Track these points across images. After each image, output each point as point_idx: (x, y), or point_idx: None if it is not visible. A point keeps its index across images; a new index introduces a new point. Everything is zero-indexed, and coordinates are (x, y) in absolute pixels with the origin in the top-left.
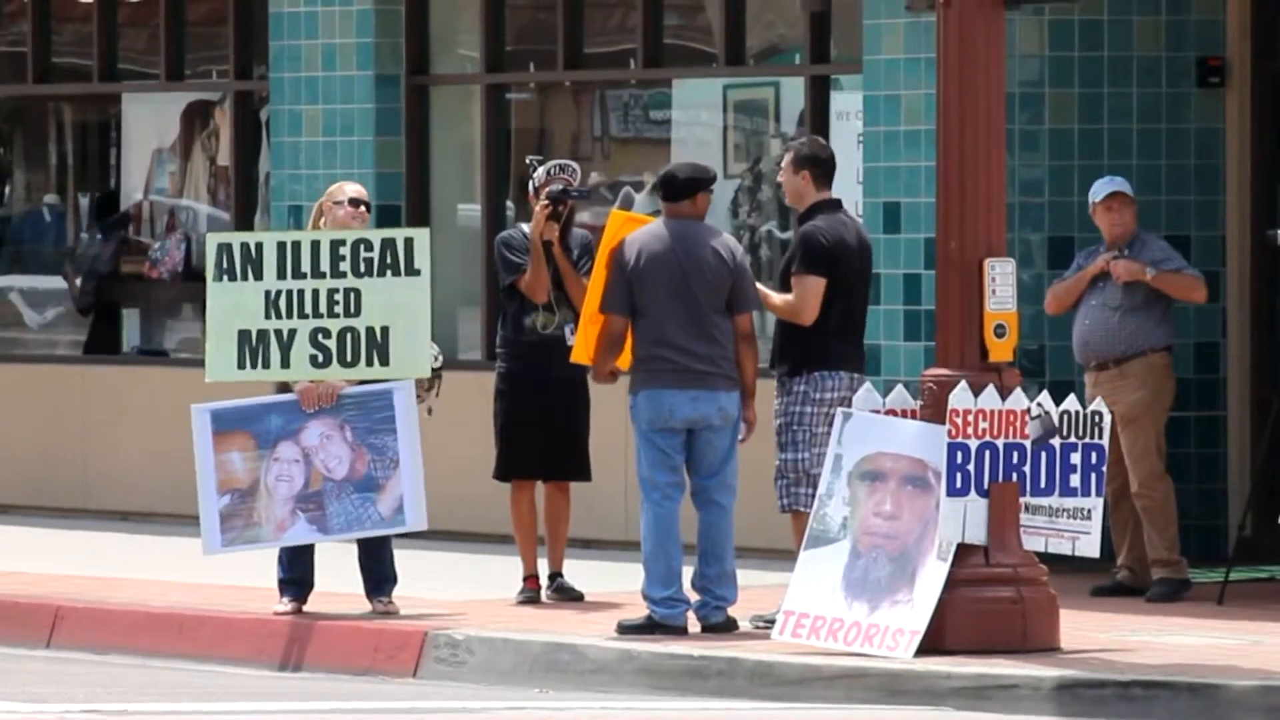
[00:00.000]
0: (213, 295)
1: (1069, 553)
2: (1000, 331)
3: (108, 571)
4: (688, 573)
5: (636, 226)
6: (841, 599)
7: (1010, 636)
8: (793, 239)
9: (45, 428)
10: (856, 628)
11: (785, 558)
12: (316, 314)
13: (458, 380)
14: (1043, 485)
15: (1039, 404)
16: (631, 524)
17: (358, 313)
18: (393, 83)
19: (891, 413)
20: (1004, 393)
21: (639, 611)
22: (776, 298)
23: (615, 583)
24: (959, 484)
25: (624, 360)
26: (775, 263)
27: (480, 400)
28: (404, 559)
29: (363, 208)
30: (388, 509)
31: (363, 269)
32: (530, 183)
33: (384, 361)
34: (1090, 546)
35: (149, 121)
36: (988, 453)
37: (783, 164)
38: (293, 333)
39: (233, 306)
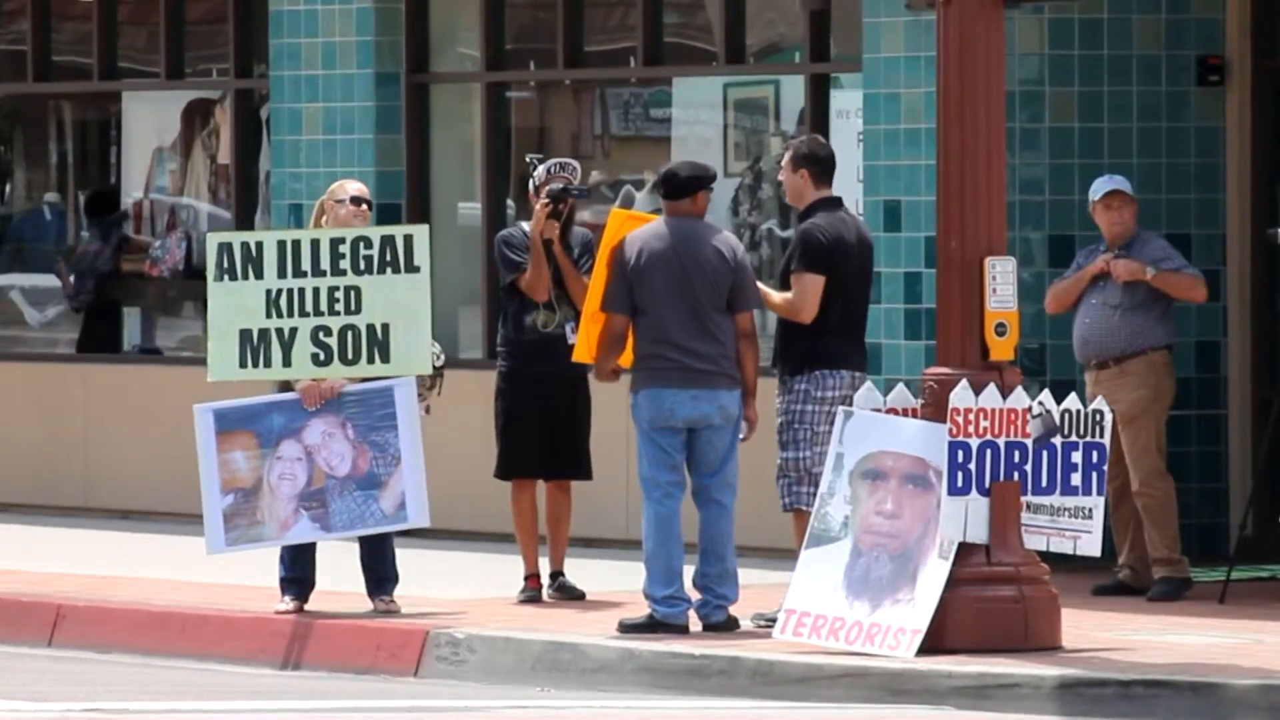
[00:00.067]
0: (214, 295)
1: (1070, 552)
2: (1001, 330)
3: (109, 570)
4: (689, 571)
5: (637, 225)
6: (843, 598)
7: (1012, 635)
8: (792, 237)
9: (46, 426)
10: (858, 627)
11: (786, 556)
12: (317, 312)
13: (458, 379)
14: (1044, 484)
15: (1040, 403)
16: (633, 523)
17: (358, 310)
18: (393, 81)
19: (893, 411)
20: (1005, 391)
21: (640, 610)
22: (776, 296)
23: (616, 581)
24: (960, 483)
25: (626, 358)
26: (776, 261)
27: (481, 399)
28: (405, 558)
29: (364, 206)
30: (390, 506)
31: (363, 267)
32: (530, 181)
33: (385, 359)
34: (1091, 545)
35: (149, 120)
36: (989, 451)
37: (782, 163)
38: (294, 331)
39: (234, 306)
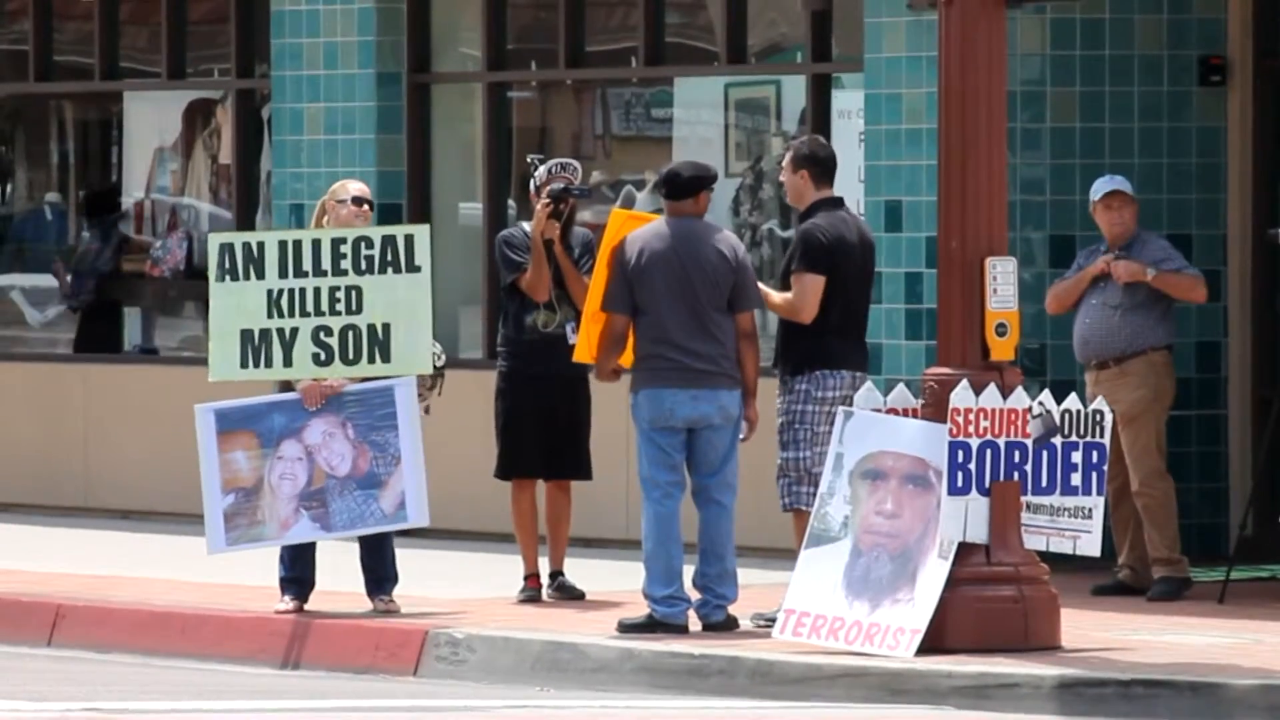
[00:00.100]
0: (215, 295)
1: (1070, 552)
2: (1001, 330)
3: (109, 570)
4: (688, 571)
5: (638, 225)
6: (842, 598)
7: (1011, 635)
8: (793, 238)
9: (46, 426)
10: (857, 626)
11: (786, 556)
12: (318, 312)
13: (459, 379)
14: (1044, 484)
15: (1040, 403)
16: (632, 523)
17: (359, 310)
18: (394, 81)
19: (893, 411)
20: (1005, 391)
21: (640, 610)
22: (776, 296)
23: (616, 581)
24: (960, 483)
25: (626, 358)
26: (776, 261)
27: (481, 399)
28: (405, 558)
29: (366, 206)
30: (390, 505)
31: (364, 266)
32: (531, 181)
33: (385, 358)
34: (1091, 545)
35: (150, 120)
36: (989, 451)
37: (783, 164)
38: (295, 331)
39: (235, 306)
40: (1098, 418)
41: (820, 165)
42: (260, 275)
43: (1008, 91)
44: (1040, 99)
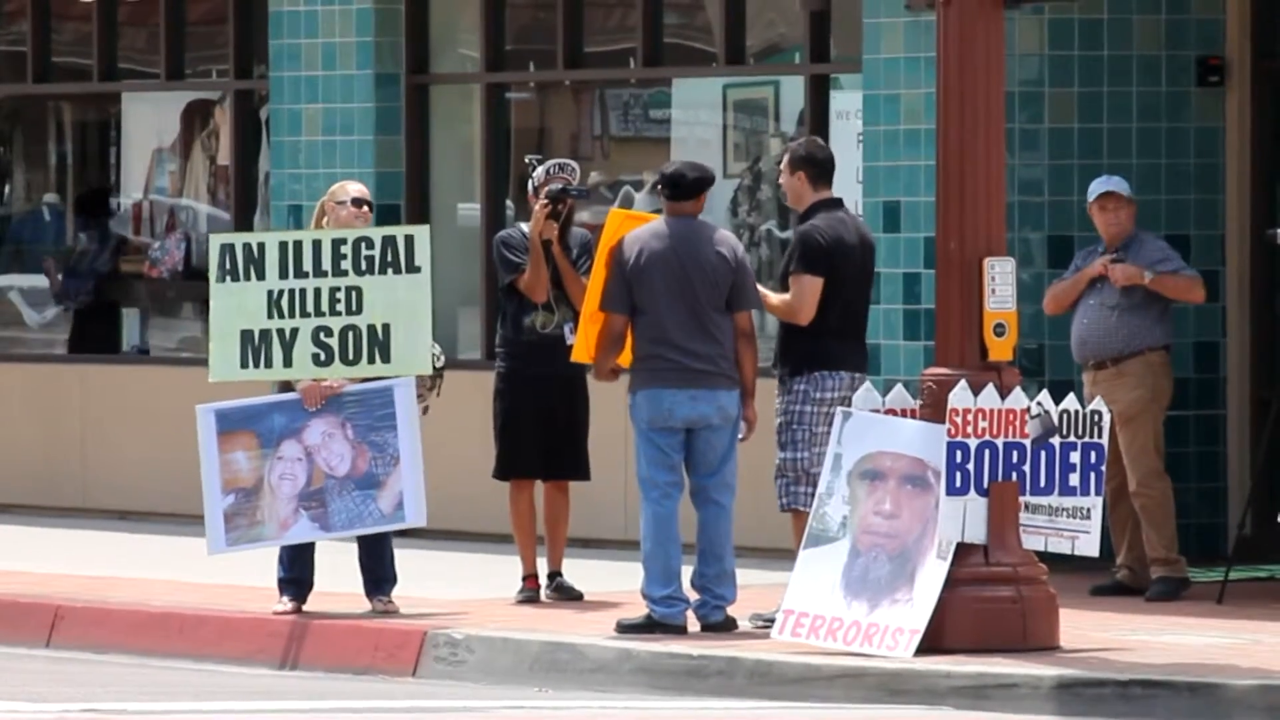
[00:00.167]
0: (216, 296)
1: (1068, 552)
2: (1000, 330)
3: (107, 571)
4: (687, 572)
5: (636, 225)
6: (841, 598)
7: (1010, 636)
8: (791, 239)
9: (44, 427)
10: (856, 627)
11: (785, 557)
12: (319, 312)
13: (457, 380)
14: (1042, 484)
15: (1038, 403)
16: (631, 523)
17: (359, 311)
18: (393, 82)
19: (891, 412)
20: (1003, 392)
21: (638, 611)
22: (774, 298)
23: (614, 582)
24: (958, 483)
25: (625, 358)
26: (775, 262)
27: (480, 400)
28: (404, 558)
29: (365, 207)
30: (388, 505)
31: (364, 267)
32: (530, 182)
33: (385, 359)
34: (1090, 546)
35: (149, 121)
36: (987, 452)
37: (781, 165)
38: (295, 331)
39: (235, 307)
40: (1096, 418)
41: (818, 166)
42: (261, 276)
43: (1006, 92)
44: (1038, 99)
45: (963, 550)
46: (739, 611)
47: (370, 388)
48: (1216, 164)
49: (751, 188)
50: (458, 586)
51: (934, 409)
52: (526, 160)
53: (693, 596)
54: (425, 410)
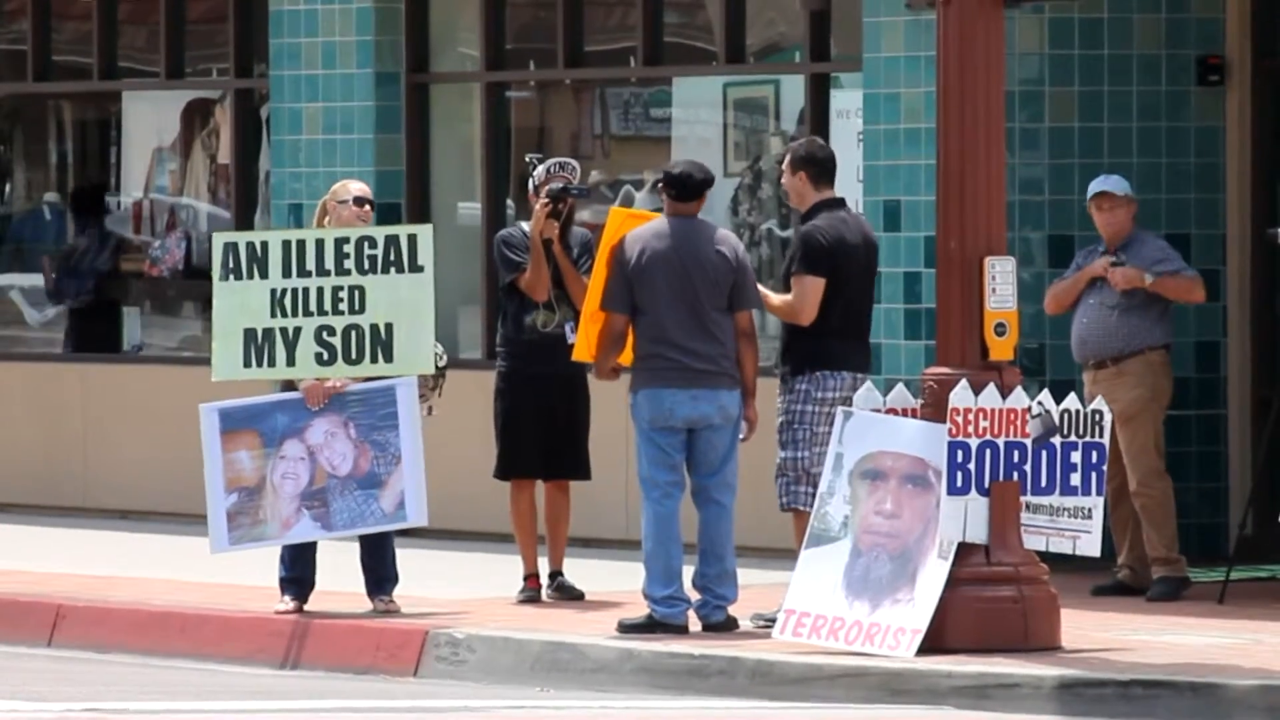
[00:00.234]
0: (219, 295)
1: (1070, 552)
2: (1000, 330)
3: (108, 570)
4: (688, 572)
5: (637, 224)
6: (842, 598)
7: (1011, 635)
8: (793, 239)
9: (45, 427)
10: (857, 627)
11: (786, 556)
12: (321, 312)
13: (458, 379)
14: (1043, 484)
15: (1039, 403)
16: (632, 523)
17: (362, 310)
18: (393, 80)
19: (892, 411)
20: (1004, 391)
21: (639, 610)
22: (775, 298)
23: (616, 582)
24: (960, 483)
25: (626, 357)
26: (775, 261)
27: (480, 399)
28: (405, 558)
29: (367, 206)
30: (390, 504)
31: (367, 266)
32: (530, 181)
33: (388, 358)
34: (1091, 545)
35: (149, 119)
36: (988, 451)
37: (783, 166)
38: (298, 331)
39: (238, 305)
40: (1097, 418)
41: (819, 166)
42: (264, 275)
43: (1006, 91)
44: (1039, 98)
45: (964, 550)
46: (740, 611)
47: (373, 387)
48: (1217, 163)
49: (752, 187)
50: (459, 586)
51: (935, 408)
52: (527, 159)
53: (694, 596)
54: (429, 411)
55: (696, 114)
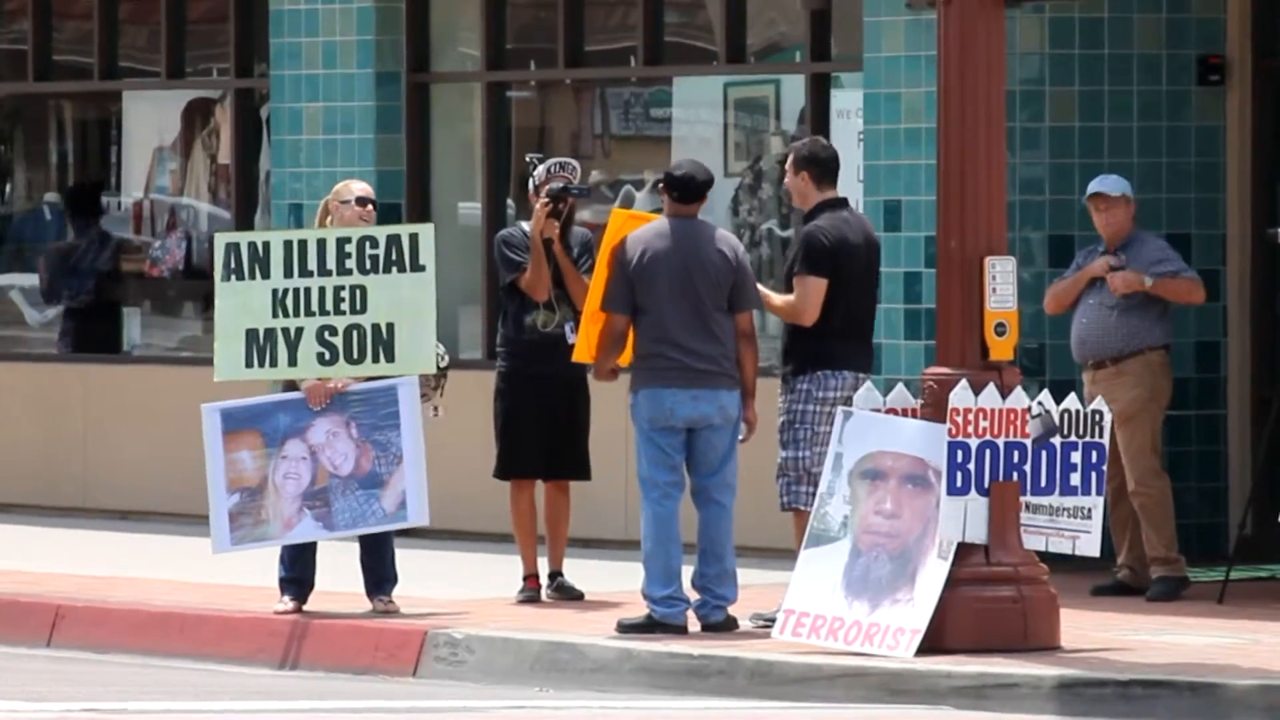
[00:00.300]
0: (221, 295)
1: (1069, 552)
2: (1001, 330)
3: (108, 570)
4: (688, 572)
5: (638, 224)
6: (842, 598)
7: (1011, 635)
8: (794, 239)
9: (45, 427)
10: (857, 627)
11: (785, 556)
12: (323, 311)
13: (458, 379)
14: (1043, 484)
15: (1039, 403)
16: (632, 523)
17: (364, 310)
18: (393, 80)
19: (892, 411)
20: (1004, 391)
21: (639, 610)
22: (777, 299)
23: (615, 582)
24: (959, 483)
25: (624, 357)
26: (775, 261)
27: (480, 399)
28: (404, 558)
29: (370, 206)
30: (391, 504)
31: (368, 266)
32: (530, 180)
33: (390, 358)
34: (1090, 546)
35: (150, 119)
36: (988, 451)
37: (786, 166)
38: (299, 331)
39: (240, 306)
40: (1097, 418)
41: (821, 166)
42: (265, 275)
43: (1006, 91)
44: (1039, 98)
45: (964, 550)
46: (740, 611)
47: (374, 387)
48: (1217, 163)
49: (752, 187)
50: (458, 586)
51: (935, 408)
52: (527, 159)
53: (693, 596)
54: (436, 412)
55: (697, 114)
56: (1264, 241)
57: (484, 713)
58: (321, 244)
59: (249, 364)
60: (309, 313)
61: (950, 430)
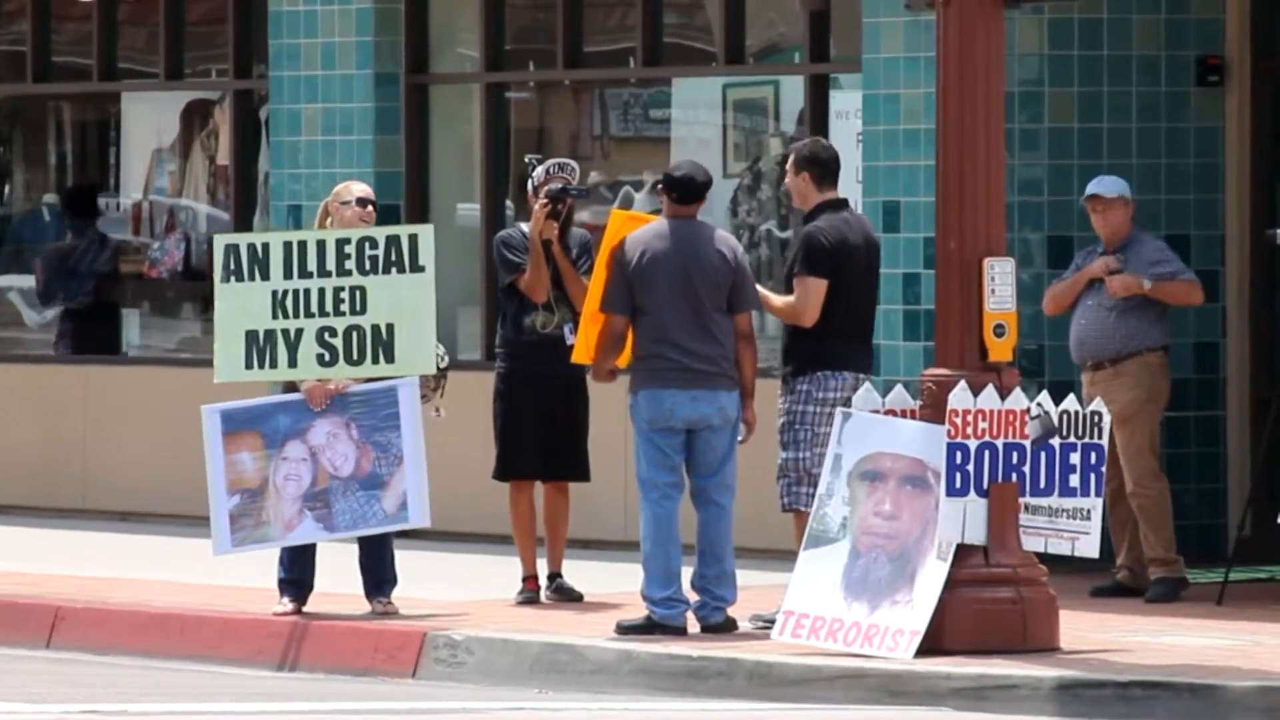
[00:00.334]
0: (220, 296)
1: (1068, 553)
2: (999, 331)
3: (107, 572)
4: (687, 573)
5: (637, 225)
6: (841, 599)
7: (1010, 637)
8: (794, 240)
9: (45, 428)
10: (856, 628)
11: (785, 558)
12: (323, 313)
13: (457, 380)
14: (1042, 485)
15: (1038, 404)
16: (631, 524)
17: (363, 310)
18: (392, 81)
19: (891, 412)
20: (1003, 392)
21: (638, 612)
22: (777, 300)
23: (614, 583)
24: (958, 484)
25: (623, 358)
26: (774, 262)
27: (480, 400)
28: (404, 559)
29: (370, 207)
30: (391, 505)
31: (368, 267)
32: (529, 181)
33: (390, 359)
34: (1089, 547)
35: (148, 121)
36: (987, 453)
37: (786, 166)
38: (299, 332)
39: (240, 307)
40: (1096, 419)
41: (822, 167)
42: (265, 276)
43: (1005, 92)
44: (1038, 99)
45: (963, 551)
46: (739, 612)
47: (375, 388)
48: (1216, 164)
49: (751, 187)
50: (458, 587)
51: (934, 410)
52: (526, 160)
53: (693, 597)
54: (439, 412)
55: (696, 115)
56: (1263, 242)
57: (483, 714)
58: (321, 245)
59: (249, 365)
60: (309, 314)
61: (949, 431)
